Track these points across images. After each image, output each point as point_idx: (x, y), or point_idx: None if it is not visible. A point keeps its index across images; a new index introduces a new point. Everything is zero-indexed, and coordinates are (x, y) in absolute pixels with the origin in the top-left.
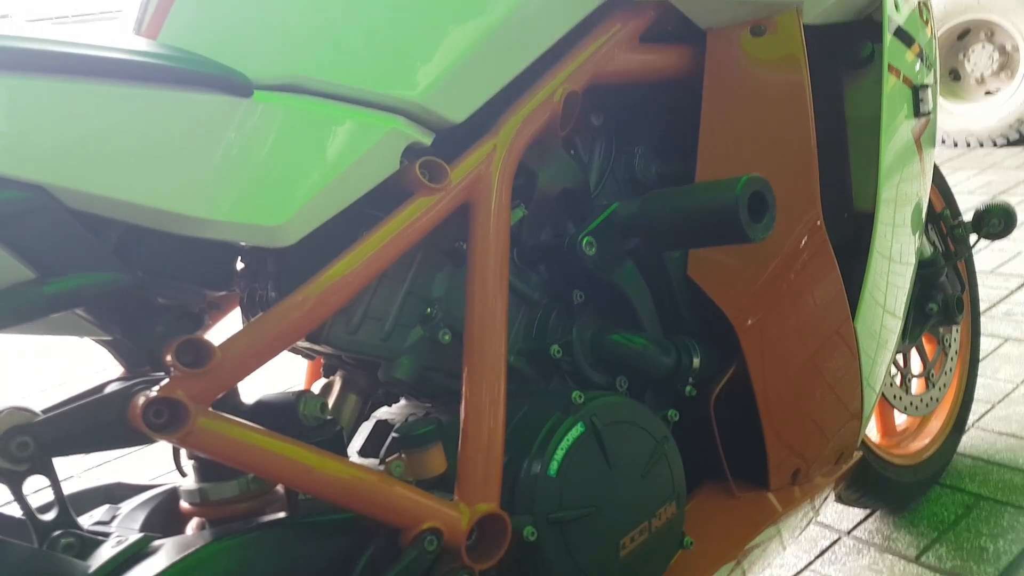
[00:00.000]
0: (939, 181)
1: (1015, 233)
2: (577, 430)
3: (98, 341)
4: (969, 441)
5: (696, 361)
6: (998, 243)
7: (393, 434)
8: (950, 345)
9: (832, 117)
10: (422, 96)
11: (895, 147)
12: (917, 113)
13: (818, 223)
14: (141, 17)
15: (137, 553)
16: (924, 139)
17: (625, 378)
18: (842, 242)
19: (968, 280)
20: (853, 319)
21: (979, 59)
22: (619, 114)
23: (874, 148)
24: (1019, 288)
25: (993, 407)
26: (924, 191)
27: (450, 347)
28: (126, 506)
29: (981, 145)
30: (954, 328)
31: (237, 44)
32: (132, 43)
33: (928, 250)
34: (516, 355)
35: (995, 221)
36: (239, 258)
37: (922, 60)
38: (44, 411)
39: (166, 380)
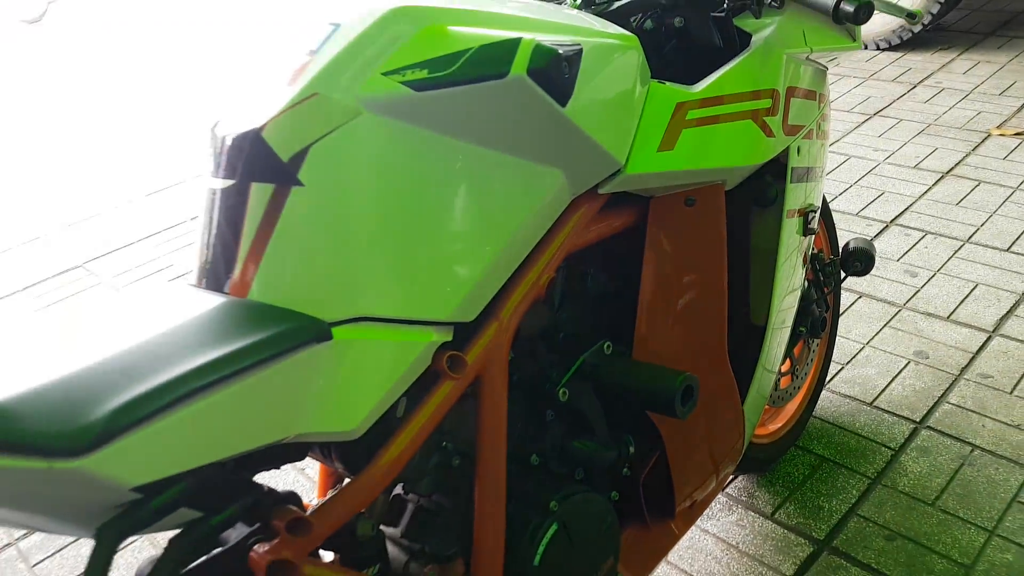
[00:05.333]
0: (827, 220)
1: (880, 169)
2: (553, 529)
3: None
4: (820, 402)
5: (631, 450)
6: (866, 180)
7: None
8: (813, 341)
9: (741, 243)
10: (450, 315)
11: (787, 272)
12: (806, 233)
13: (722, 355)
14: (225, 262)
15: None
16: (807, 246)
17: (582, 469)
18: (736, 345)
19: (833, 304)
20: (743, 403)
21: None
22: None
23: (769, 277)
24: (879, 235)
25: (842, 368)
26: (800, 285)
27: (458, 469)
28: None
29: (866, 47)
30: None
31: (315, 292)
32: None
33: (805, 285)
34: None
35: (858, 264)
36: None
37: (813, 179)
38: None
39: (276, 541)
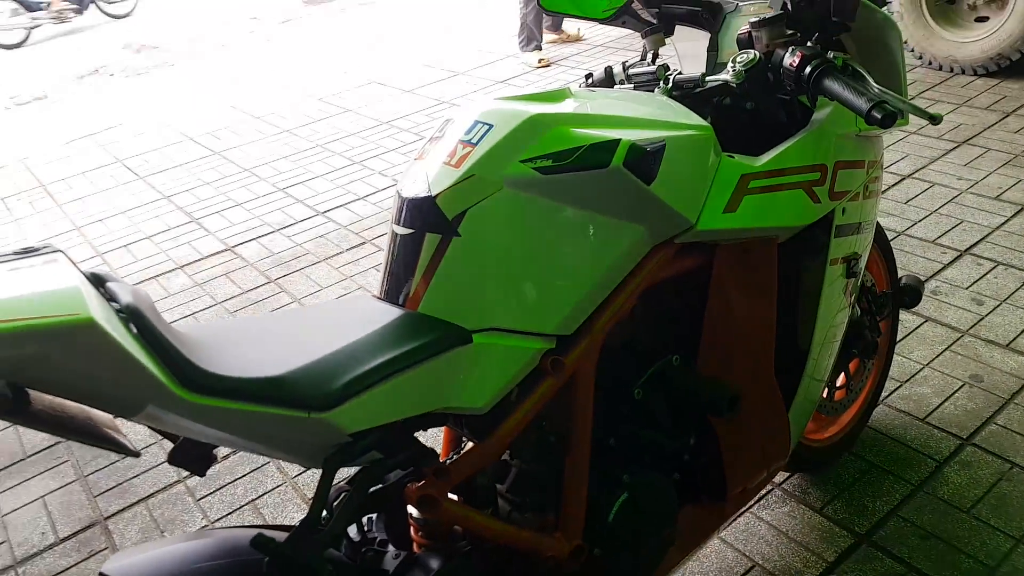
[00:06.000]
0: (887, 256)
1: (961, 198)
2: (624, 496)
3: None
4: (876, 415)
5: (691, 442)
6: (946, 208)
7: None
8: (869, 360)
9: (791, 283)
10: (555, 329)
11: (829, 307)
12: (848, 275)
13: (769, 371)
14: (404, 285)
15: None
16: (853, 285)
17: (650, 454)
18: (784, 363)
19: (889, 329)
20: (788, 410)
21: None
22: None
23: (813, 311)
24: (952, 263)
25: (900, 386)
26: (845, 314)
27: (553, 444)
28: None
29: (963, 72)
30: None
31: (464, 307)
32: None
33: (857, 312)
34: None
35: (907, 298)
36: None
37: (858, 232)
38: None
39: (424, 481)
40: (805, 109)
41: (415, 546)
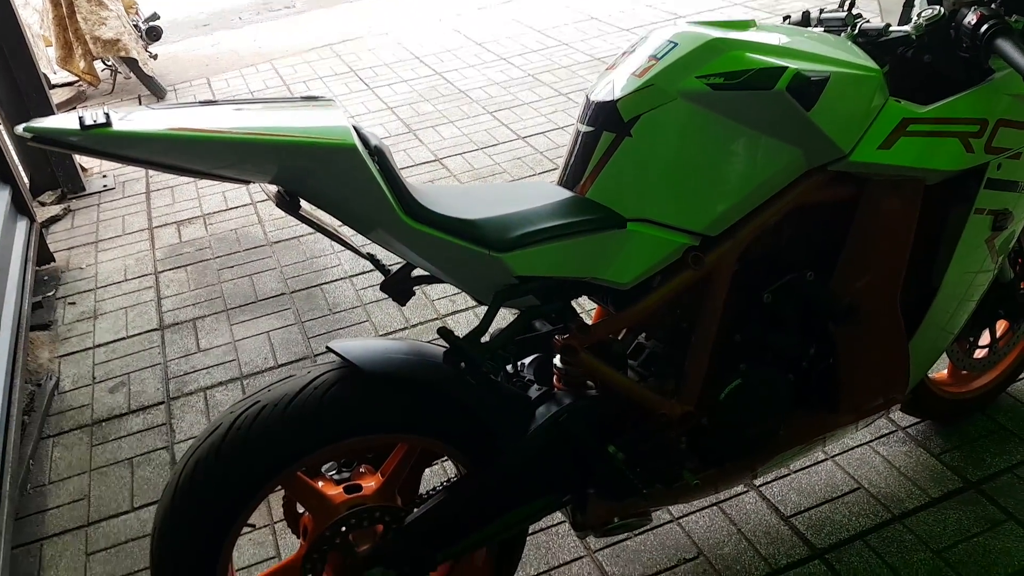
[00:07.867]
0: None
1: None
2: (737, 381)
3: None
4: (1020, 386)
5: (811, 351)
6: None
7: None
8: (1020, 327)
9: (935, 223)
10: (701, 228)
11: (967, 253)
12: (995, 227)
13: (894, 299)
14: (578, 174)
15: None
16: (1000, 241)
17: (771, 353)
18: (912, 297)
19: None
20: (908, 341)
21: None
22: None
23: (949, 253)
24: None
25: None
26: (988, 270)
27: (685, 330)
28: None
29: None
30: None
31: (622, 196)
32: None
33: (1009, 275)
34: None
35: None
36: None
37: (1017, 191)
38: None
39: (568, 335)
40: (985, 71)
41: (555, 389)
